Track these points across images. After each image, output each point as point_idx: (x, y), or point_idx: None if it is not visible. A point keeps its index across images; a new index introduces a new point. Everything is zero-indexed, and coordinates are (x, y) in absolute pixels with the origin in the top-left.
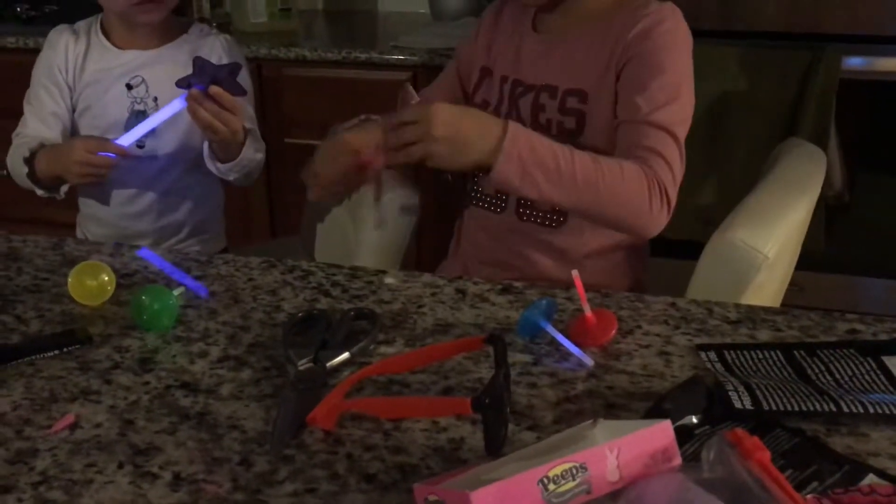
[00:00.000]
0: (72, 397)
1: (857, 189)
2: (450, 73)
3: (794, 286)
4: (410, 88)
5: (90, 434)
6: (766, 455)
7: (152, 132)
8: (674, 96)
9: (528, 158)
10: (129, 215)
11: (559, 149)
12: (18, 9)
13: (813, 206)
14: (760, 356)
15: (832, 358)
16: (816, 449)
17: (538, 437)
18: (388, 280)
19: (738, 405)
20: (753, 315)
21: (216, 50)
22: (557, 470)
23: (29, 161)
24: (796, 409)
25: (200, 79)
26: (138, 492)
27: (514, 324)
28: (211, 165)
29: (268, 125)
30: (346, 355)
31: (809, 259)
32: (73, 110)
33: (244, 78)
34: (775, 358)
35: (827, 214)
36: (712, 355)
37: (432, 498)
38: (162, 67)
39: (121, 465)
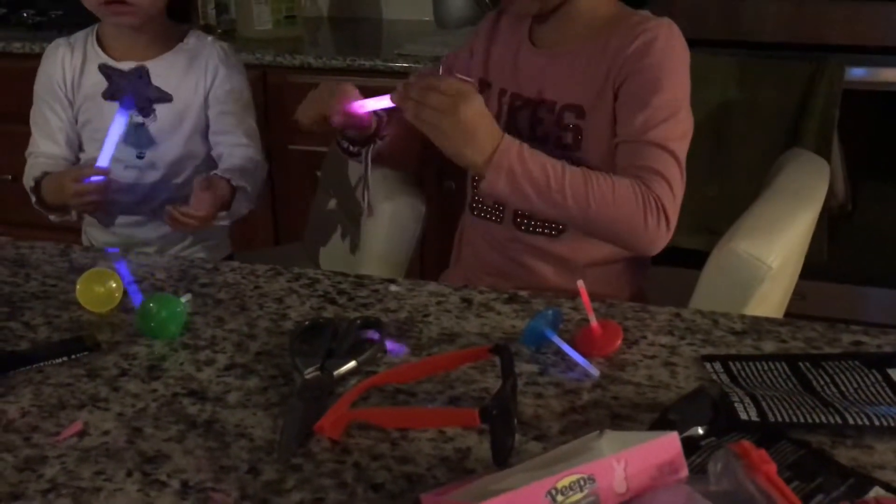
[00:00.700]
0: (80, 404)
1: (860, 199)
2: None
3: (796, 295)
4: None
5: (98, 441)
6: (772, 468)
7: (152, 142)
8: (672, 113)
9: (519, 171)
10: (132, 224)
11: (551, 164)
12: (25, 14)
13: (816, 217)
14: (766, 367)
15: (837, 370)
16: (822, 461)
17: (545, 448)
18: (394, 288)
19: (743, 417)
20: (758, 326)
21: (214, 58)
22: (565, 481)
23: (35, 190)
24: (802, 420)
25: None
26: (147, 500)
27: (519, 333)
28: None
29: (272, 132)
30: (352, 364)
31: (812, 268)
32: (76, 122)
33: (242, 86)
34: (780, 369)
35: (830, 224)
36: (718, 366)
37: None
38: (160, 78)
39: (129, 473)
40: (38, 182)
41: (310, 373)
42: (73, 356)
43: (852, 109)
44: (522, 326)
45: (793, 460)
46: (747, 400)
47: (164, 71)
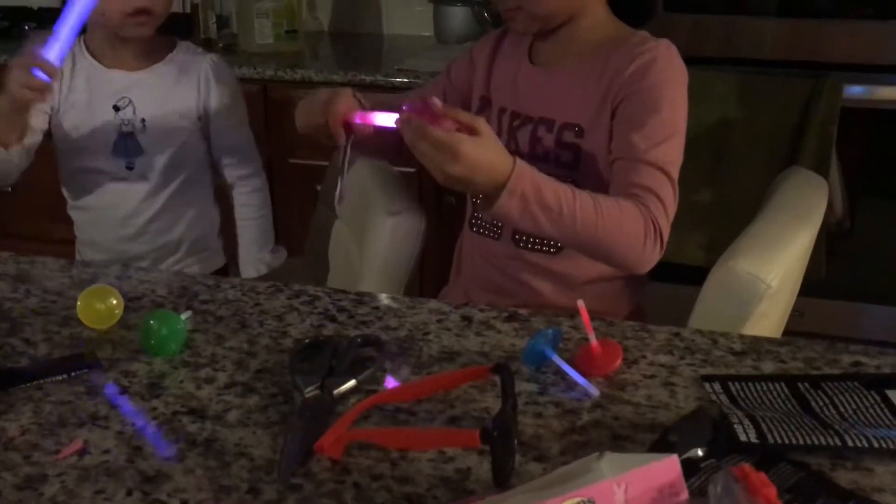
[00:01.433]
0: (80, 422)
1: (859, 216)
2: (436, 90)
3: (795, 312)
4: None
5: (98, 460)
6: (772, 491)
7: (141, 152)
8: (669, 135)
9: (532, 197)
10: (124, 238)
11: (562, 190)
12: (27, 27)
13: (815, 235)
14: (765, 388)
15: (836, 391)
16: (821, 484)
17: (545, 469)
18: (385, 301)
19: (743, 438)
20: (758, 346)
21: (204, 70)
22: None
23: None
24: (801, 442)
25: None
26: None
27: (519, 352)
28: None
29: (273, 146)
30: (352, 383)
31: (811, 285)
32: (62, 128)
33: (237, 98)
34: (780, 390)
35: (828, 241)
36: (717, 387)
37: None
38: (149, 89)
39: (129, 493)
40: None
41: (310, 391)
42: (73, 373)
43: (851, 127)
44: (522, 345)
45: (792, 483)
46: (747, 421)
47: (154, 81)
